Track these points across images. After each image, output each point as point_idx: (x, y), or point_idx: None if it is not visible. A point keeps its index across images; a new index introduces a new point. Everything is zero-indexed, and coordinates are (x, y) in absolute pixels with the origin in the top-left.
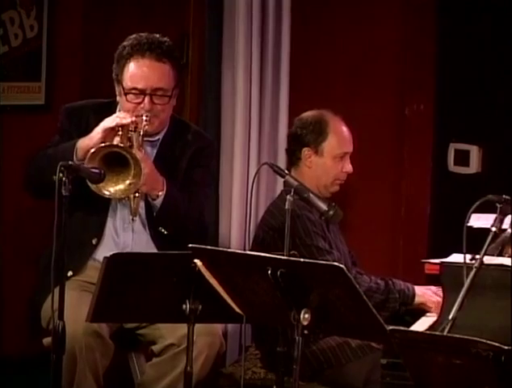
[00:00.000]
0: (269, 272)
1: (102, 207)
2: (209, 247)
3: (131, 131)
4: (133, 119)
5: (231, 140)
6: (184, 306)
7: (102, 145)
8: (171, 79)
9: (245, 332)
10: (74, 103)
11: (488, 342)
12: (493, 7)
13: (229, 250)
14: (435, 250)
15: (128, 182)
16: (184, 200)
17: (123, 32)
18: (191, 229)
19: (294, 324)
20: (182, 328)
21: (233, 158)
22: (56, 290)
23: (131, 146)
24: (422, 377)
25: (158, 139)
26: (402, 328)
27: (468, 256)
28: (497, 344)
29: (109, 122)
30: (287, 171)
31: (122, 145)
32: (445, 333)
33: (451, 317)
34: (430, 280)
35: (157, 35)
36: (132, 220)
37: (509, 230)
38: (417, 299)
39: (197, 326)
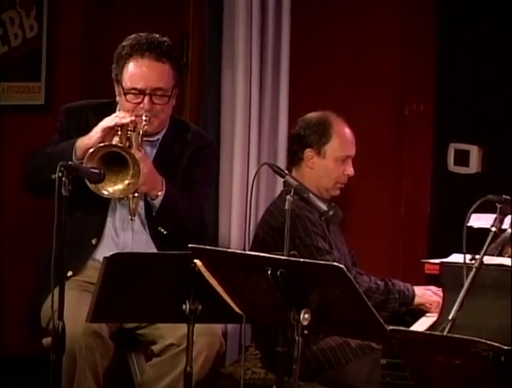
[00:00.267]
0: (269, 272)
1: (101, 207)
2: (209, 247)
3: (130, 131)
4: (132, 118)
5: (231, 140)
6: (184, 306)
7: (101, 144)
8: (171, 79)
9: (245, 332)
10: (74, 103)
11: (488, 342)
12: (493, 7)
13: (229, 250)
14: (435, 250)
15: (126, 182)
16: (184, 199)
17: (123, 32)
18: (191, 228)
19: (294, 324)
20: (182, 328)
21: (233, 158)
22: (56, 290)
23: (130, 146)
24: (422, 377)
25: (158, 139)
26: (402, 328)
27: (468, 256)
28: (496, 344)
29: (108, 121)
30: (286, 171)
31: (121, 144)
32: (445, 333)
33: (450, 317)
34: (429, 280)
35: (157, 35)
36: (131, 220)
37: (509, 230)
38: (417, 299)
39: (197, 326)
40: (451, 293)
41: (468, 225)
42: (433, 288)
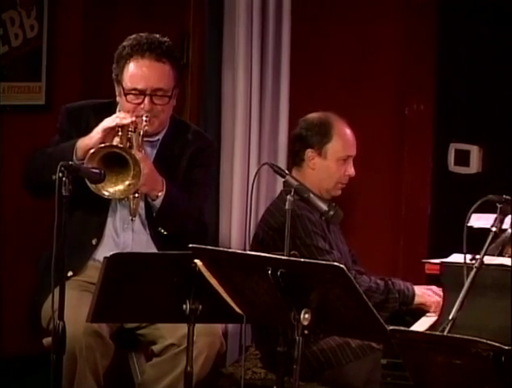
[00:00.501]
0: (269, 271)
1: (101, 207)
2: (209, 247)
3: (130, 131)
4: (133, 119)
5: (231, 140)
6: (184, 306)
7: (102, 145)
8: (171, 79)
9: (246, 332)
10: (74, 104)
11: (489, 342)
12: (493, 7)
13: (229, 250)
14: (435, 250)
15: (127, 182)
16: (184, 200)
17: (123, 32)
18: (191, 229)
19: (294, 324)
20: (183, 328)
21: (234, 158)
22: (56, 290)
23: (130, 147)
24: (422, 377)
25: (158, 139)
26: (402, 328)
27: (469, 256)
28: (497, 344)
29: (109, 122)
30: (287, 171)
31: (121, 145)
32: (445, 333)
33: (451, 317)
34: (430, 280)
35: (157, 36)
36: (132, 220)
37: (509, 230)
38: (417, 299)
39: (197, 326)
40: (452, 293)
41: (469, 225)
42: (434, 287)
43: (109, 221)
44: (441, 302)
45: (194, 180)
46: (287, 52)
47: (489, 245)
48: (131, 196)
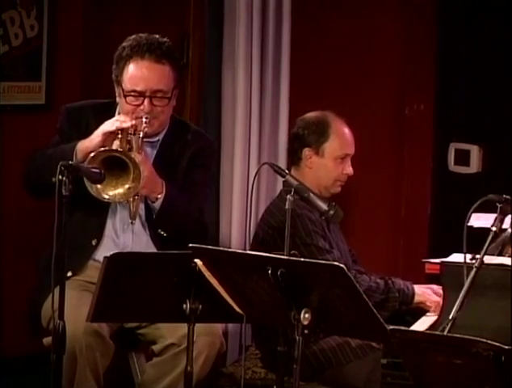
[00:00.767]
0: (269, 271)
1: (101, 208)
2: (209, 247)
3: (130, 134)
4: (133, 122)
5: (231, 140)
6: (184, 306)
7: (102, 149)
8: (171, 80)
9: (246, 332)
10: (74, 104)
11: (489, 342)
12: (494, 7)
13: (230, 249)
14: (436, 249)
15: (127, 186)
16: (184, 201)
17: (124, 32)
18: (191, 229)
19: (294, 324)
20: (183, 328)
21: (234, 157)
22: (57, 290)
23: (130, 149)
24: (423, 377)
25: (158, 140)
26: (402, 328)
27: (469, 256)
28: (497, 344)
29: (109, 126)
30: (287, 171)
31: (121, 149)
32: (445, 333)
33: (451, 317)
34: (430, 280)
35: (157, 36)
36: (132, 223)
37: (509, 230)
38: (417, 298)
39: (197, 325)
40: (452, 293)
41: (469, 224)
42: (433, 286)
43: (109, 222)
44: (441, 302)
45: (194, 181)
46: (287, 52)
47: (489, 245)
48: (130, 199)
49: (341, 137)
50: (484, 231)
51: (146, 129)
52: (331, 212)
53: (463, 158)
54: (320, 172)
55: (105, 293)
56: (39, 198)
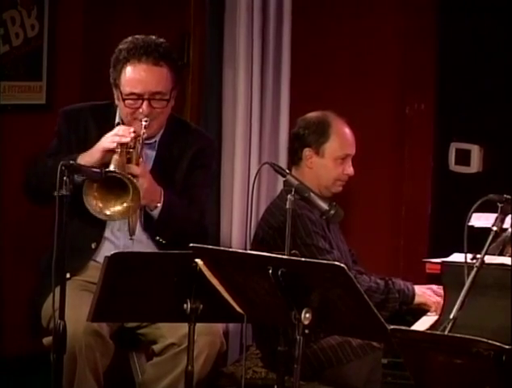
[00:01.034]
0: (270, 271)
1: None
2: (210, 247)
3: (130, 148)
4: (132, 135)
5: (232, 140)
6: (185, 306)
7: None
8: (169, 82)
9: (246, 332)
10: (71, 106)
11: (489, 341)
12: (494, 6)
13: (230, 249)
14: (436, 249)
15: (126, 204)
16: (183, 206)
17: (124, 32)
18: (191, 232)
19: (295, 323)
20: (183, 328)
21: (234, 157)
22: (57, 290)
23: (129, 160)
24: (423, 377)
25: (155, 141)
26: (403, 328)
27: (469, 256)
28: (498, 344)
29: (109, 142)
30: (287, 171)
31: (120, 171)
32: (446, 332)
33: (451, 316)
34: (431, 280)
35: (153, 37)
36: (131, 239)
37: (509, 230)
38: (417, 299)
39: (198, 325)
40: (452, 293)
41: (469, 224)
42: (434, 286)
43: (108, 225)
44: (441, 302)
45: (195, 182)
46: (288, 51)
47: (490, 244)
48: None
49: (341, 137)
50: (485, 231)
51: (146, 135)
52: (332, 211)
53: (463, 157)
54: (320, 172)
55: (105, 292)
56: (39, 205)
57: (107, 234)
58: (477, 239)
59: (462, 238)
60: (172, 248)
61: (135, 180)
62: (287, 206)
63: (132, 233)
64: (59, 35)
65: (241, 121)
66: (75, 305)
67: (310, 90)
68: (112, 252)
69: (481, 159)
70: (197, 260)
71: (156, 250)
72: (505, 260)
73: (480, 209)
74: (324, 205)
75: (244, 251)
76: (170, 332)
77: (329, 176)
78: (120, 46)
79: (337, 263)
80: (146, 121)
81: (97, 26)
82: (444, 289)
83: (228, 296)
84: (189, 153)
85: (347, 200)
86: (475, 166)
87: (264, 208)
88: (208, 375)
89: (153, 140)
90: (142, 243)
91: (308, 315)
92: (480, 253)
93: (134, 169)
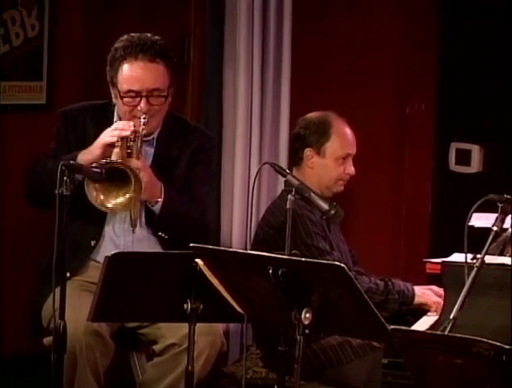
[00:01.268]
0: (270, 271)
1: (100, 213)
2: (210, 247)
3: (130, 141)
4: (132, 128)
5: (232, 139)
6: (185, 306)
7: (104, 161)
8: (166, 79)
9: (247, 332)
10: (70, 107)
11: (490, 341)
12: (494, 6)
13: (231, 249)
14: (436, 249)
15: (128, 195)
16: (184, 202)
17: (125, 32)
18: (192, 230)
19: (295, 323)
20: (184, 328)
21: (235, 157)
22: (57, 290)
23: (130, 155)
24: (423, 377)
25: (153, 138)
26: (403, 327)
27: (470, 256)
28: (498, 344)
29: (109, 136)
30: (288, 171)
31: (121, 160)
32: (446, 332)
33: (452, 316)
34: (431, 280)
35: (149, 35)
36: (133, 232)
37: (510, 230)
38: (417, 299)
39: (198, 325)
40: (453, 293)
41: (470, 224)
42: (434, 287)
43: (108, 223)
44: (441, 302)
45: (195, 179)
46: (288, 51)
47: (490, 244)
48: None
49: (342, 137)
50: (485, 231)
51: (145, 131)
52: (332, 211)
53: (463, 157)
54: (321, 172)
55: (106, 292)
56: (39, 208)
57: (107, 231)
58: (477, 239)
59: (462, 238)
60: (174, 246)
61: (136, 165)
62: (288, 206)
63: (134, 225)
64: (59, 35)
65: (241, 121)
66: (75, 306)
67: (310, 90)
68: (112, 252)
69: (481, 159)
70: (197, 260)
71: (157, 247)
72: (506, 260)
73: (481, 209)
74: (324, 205)
75: (244, 251)
76: (171, 332)
77: (330, 176)
78: (116, 44)
79: (337, 263)
80: (145, 118)
81: (97, 26)
82: (444, 289)
83: (228, 296)
84: (188, 150)
85: (347, 200)
86: (475, 166)
87: (264, 209)
88: (209, 375)
89: (151, 137)
90: (142, 241)
91: (308, 315)
92: (480, 253)
93: (135, 162)
